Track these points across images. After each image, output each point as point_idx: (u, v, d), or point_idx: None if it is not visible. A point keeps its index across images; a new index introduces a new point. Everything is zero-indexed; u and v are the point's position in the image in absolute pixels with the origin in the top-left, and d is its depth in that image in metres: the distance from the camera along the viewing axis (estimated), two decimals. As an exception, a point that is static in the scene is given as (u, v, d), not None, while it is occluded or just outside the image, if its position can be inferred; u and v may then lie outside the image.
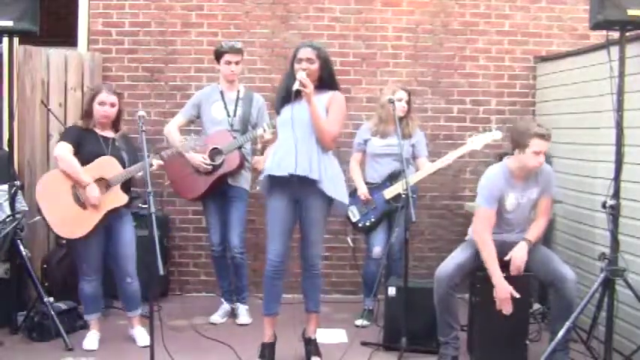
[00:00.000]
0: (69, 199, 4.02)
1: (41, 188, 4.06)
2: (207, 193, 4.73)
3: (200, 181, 4.71)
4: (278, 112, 3.89)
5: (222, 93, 4.79)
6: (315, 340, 4.02)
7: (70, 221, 4.01)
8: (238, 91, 4.81)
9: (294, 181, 3.71)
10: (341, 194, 3.85)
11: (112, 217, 4.12)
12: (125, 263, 4.19)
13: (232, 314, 4.91)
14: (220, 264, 4.91)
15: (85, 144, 4.10)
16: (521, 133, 3.87)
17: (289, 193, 3.80)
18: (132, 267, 4.21)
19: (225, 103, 4.77)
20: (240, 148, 4.65)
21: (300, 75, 3.69)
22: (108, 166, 4.08)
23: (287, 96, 3.78)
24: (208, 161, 4.63)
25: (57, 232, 4.09)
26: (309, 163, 3.71)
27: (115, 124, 4.22)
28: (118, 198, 4.08)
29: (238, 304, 4.91)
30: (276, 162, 3.78)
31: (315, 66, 3.77)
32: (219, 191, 4.74)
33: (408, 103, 4.76)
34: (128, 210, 4.27)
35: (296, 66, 3.78)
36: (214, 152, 4.66)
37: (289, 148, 3.72)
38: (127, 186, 4.19)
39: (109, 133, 4.20)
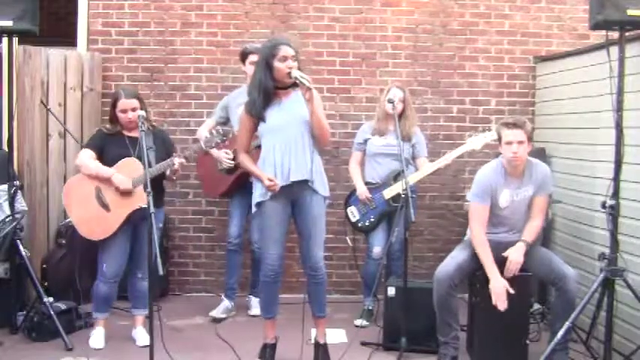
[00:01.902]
0: (93, 202, 4.09)
1: (66, 193, 4.20)
2: (229, 190, 4.88)
3: (223, 180, 4.85)
4: (261, 117, 3.74)
5: None
6: (324, 344, 3.96)
7: (93, 223, 4.09)
8: None
9: (290, 183, 3.71)
10: (327, 190, 3.87)
11: (139, 217, 4.09)
12: (139, 261, 4.22)
13: (232, 310, 4.97)
14: (232, 258, 4.96)
15: (110, 148, 4.13)
16: (498, 127, 3.98)
17: (284, 196, 3.75)
18: (145, 265, 4.20)
19: None
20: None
21: (298, 72, 3.62)
22: (130, 167, 4.07)
23: (269, 97, 3.72)
24: (231, 155, 4.71)
25: (84, 235, 4.15)
26: (305, 163, 3.69)
27: None
28: (140, 199, 4.04)
29: (251, 296, 5.06)
30: (280, 171, 3.70)
31: (297, 64, 3.70)
32: (246, 189, 4.79)
33: (404, 102, 4.74)
34: (159, 209, 4.20)
35: (279, 64, 3.65)
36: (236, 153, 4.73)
37: (289, 153, 3.69)
38: (158, 184, 4.14)
39: (137, 133, 4.16)
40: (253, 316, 4.93)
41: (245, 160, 3.86)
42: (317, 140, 3.75)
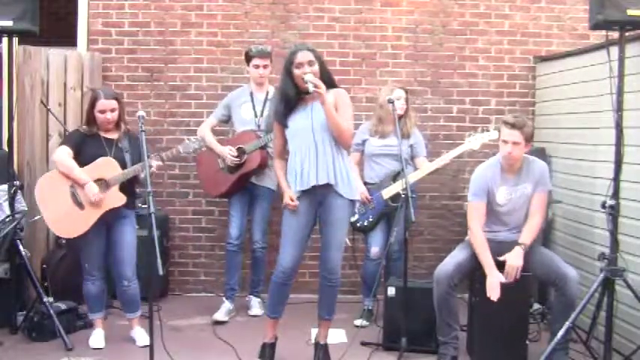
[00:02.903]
0: (67, 199, 4.05)
1: (39, 189, 4.11)
2: (230, 190, 4.87)
3: (224, 179, 4.84)
4: (284, 124, 3.79)
5: (251, 94, 4.89)
6: (325, 345, 3.99)
7: (67, 221, 4.04)
8: (267, 92, 4.88)
9: (315, 186, 3.73)
10: (354, 193, 3.86)
11: (114, 217, 4.14)
12: (122, 267, 4.19)
13: (235, 310, 4.96)
14: (232, 259, 4.95)
15: (87, 148, 4.12)
16: (500, 124, 4.00)
17: (311, 198, 3.77)
18: (130, 270, 4.21)
19: (253, 104, 4.87)
20: (264, 147, 4.71)
21: (310, 77, 3.63)
22: (107, 166, 4.09)
23: (290, 104, 3.76)
24: (235, 152, 4.74)
25: (54, 231, 4.13)
26: (326, 167, 3.71)
27: (118, 125, 4.22)
28: (116, 198, 4.09)
29: (251, 296, 5.07)
30: (299, 176, 3.73)
31: (316, 68, 3.71)
32: (246, 189, 4.88)
33: (407, 101, 4.76)
34: (132, 211, 4.27)
35: (296, 71, 3.69)
36: (239, 151, 4.78)
37: (308, 157, 3.71)
38: (130, 187, 4.19)
39: (113, 134, 4.20)
40: (253, 316, 4.94)
41: (276, 167, 3.96)
42: (339, 143, 3.76)
